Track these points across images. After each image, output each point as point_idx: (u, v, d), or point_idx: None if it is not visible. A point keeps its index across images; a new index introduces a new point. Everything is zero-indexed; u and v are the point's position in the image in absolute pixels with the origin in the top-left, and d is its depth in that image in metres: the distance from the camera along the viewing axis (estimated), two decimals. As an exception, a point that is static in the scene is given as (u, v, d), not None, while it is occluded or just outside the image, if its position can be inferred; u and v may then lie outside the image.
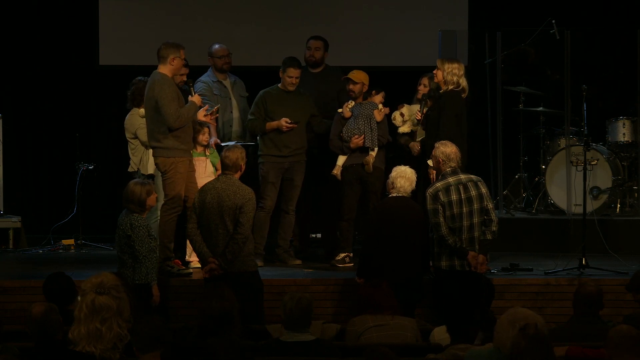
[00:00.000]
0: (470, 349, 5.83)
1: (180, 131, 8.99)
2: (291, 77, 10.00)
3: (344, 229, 9.90)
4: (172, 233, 9.08)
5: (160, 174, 9.37)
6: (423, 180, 8.91)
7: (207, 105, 9.60)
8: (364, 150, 9.80)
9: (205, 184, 8.49)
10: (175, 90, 9.00)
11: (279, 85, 10.10)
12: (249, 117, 10.11)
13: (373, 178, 9.76)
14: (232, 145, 8.76)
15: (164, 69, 9.03)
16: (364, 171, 9.78)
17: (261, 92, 10.14)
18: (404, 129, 9.81)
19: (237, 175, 8.35)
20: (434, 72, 9.31)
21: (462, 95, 9.23)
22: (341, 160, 9.89)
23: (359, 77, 9.89)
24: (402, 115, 9.81)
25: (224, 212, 8.19)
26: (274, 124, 9.93)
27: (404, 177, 8.54)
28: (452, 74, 9.17)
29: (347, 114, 9.88)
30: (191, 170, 9.18)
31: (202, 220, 8.29)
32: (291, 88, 10.04)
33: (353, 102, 9.91)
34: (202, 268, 8.45)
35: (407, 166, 8.69)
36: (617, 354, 5.28)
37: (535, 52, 11.53)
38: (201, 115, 9.35)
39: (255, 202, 8.42)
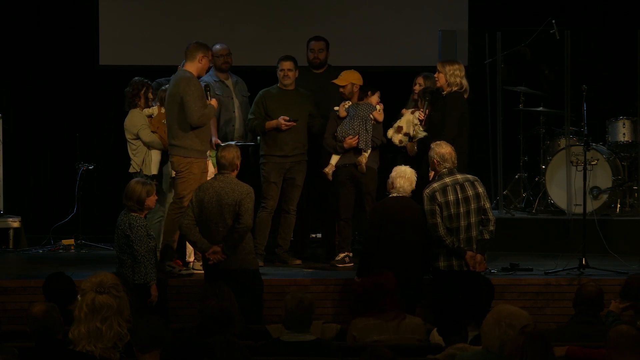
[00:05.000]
0: (467, 349, 5.83)
1: (200, 131, 9.07)
2: (283, 69, 10.03)
3: (342, 228, 9.90)
4: (176, 232, 9.09)
5: (164, 175, 9.58)
6: (422, 180, 8.90)
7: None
8: (357, 150, 9.78)
9: (203, 183, 8.50)
10: (200, 89, 9.12)
11: (278, 84, 10.12)
12: (249, 116, 10.13)
13: (366, 179, 9.75)
14: (226, 145, 8.81)
15: (191, 67, 9.16)
16: (357, 171, 9.77)
17: (261, 91, 10.16)
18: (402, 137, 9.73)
19: (234, 174, 8.36)
20: (436, 75, 9.26)
21: (465, 96, 9.24)
22: (334, 159, 9.85)
23: (345, 79, 9.87)
24: (406, 135, 9.66)
25: (224, 209, 8.20)
26: (273, 122, 9.94)
27: (403, 177, 8.53)
28: (454, 76, 9.15)
29: (343, 113, 9.86)
30: (204, 172, 9.20)
31: (201, 219, 8.29)
32: (287, 81, 10.05)
33: (350, 102, 9.91)
34: (202, 257, 8.48)
35: (407, 166, 8.69)
36: (617, 354, 5.28)
37: (531, 52, 11.55)
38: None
39: (254, 197, 8.41)
